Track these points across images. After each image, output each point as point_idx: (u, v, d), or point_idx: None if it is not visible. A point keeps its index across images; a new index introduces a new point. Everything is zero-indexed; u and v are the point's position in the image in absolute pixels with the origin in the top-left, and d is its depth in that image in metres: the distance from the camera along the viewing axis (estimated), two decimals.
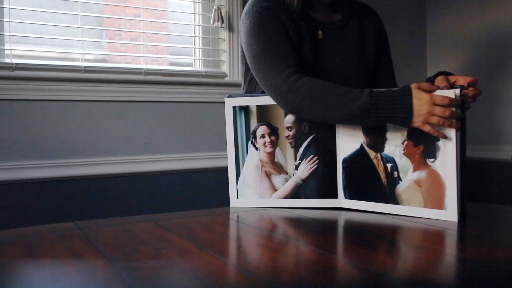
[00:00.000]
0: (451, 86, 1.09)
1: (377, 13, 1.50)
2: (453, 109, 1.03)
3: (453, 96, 1.05)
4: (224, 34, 2.27)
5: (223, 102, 1.35)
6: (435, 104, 1.04)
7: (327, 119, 1.17)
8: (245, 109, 1.28)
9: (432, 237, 0.97)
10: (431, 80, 1.25)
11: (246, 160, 1.28)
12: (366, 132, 1.18)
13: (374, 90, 1.11)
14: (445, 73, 1.22)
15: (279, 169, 1.26)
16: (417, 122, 1.06)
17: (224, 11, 2.26)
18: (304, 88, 1.17)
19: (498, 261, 0.79)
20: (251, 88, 1.42)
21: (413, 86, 1.08)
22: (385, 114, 1.08)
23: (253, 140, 1.28)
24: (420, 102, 1.04)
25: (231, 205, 1.29)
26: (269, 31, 1.25)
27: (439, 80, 1.11)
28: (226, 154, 2.23)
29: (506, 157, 2.49)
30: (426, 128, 1.05)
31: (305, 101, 1.16)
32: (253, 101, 1.28)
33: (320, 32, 1.37)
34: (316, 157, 1.22)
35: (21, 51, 1.97)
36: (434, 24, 2.87)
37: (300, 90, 1.17)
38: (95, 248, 0.86)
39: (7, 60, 1.87)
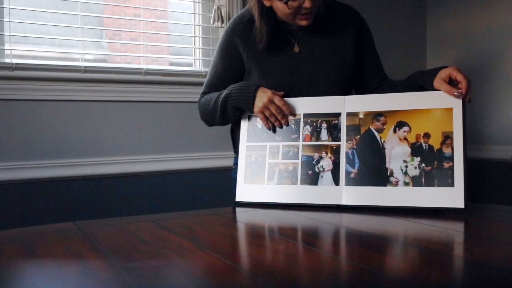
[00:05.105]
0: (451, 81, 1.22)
1: (356, 12, 1.48)
2: (285, 111, 1.29)
3: (459, 104, 1.18)
4: None
5: None
6: (272, 102, 1.29)
7: (215, 123, 1.45)
8: None
9: (432, 237, 0.97)
10: (431, 75, 1.26)
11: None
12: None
13: (231, 86, 1.36)
14: (441, 68, 1.27)
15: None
16: (256, 109, 1.30)
17: (224, 11, 2.26)
18: (199, 107, 1.49)
19: (498, 261, 0.79)
20: None
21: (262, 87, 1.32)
22: (236, 100, 1.33)
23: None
24: (262, 96, 1.29)
25: (236, 199, 1.30)
26: (217, 57, 1.47)
27: (440, 85, 1.22)
28: (226, 154, 2.23)
29: (506, 157, 2.49)
30: (260, 116, 1.31)
31: (201, 116, 1.49)
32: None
33: (296, 47, 1.41)
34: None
35: (21, 51, 1.97)
36: (434, 24, 2.87)
37: (198, 108, 1.49)
38: (95, 248, 0.86)
39: (7, 60, 1.87)
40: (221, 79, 1.46)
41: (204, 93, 1.50)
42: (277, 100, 1.29)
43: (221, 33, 2.27)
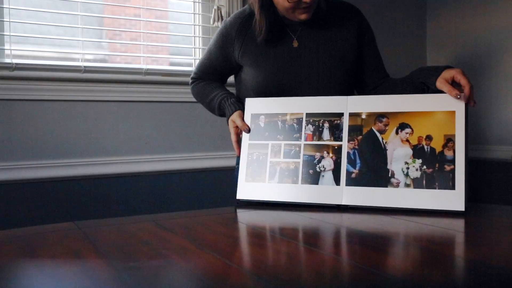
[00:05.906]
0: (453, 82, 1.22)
1: (358, 10, 1.48)
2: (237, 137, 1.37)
3: (462, 107, 1.19)
4: None
5: None
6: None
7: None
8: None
9: (432, 237, 0.97)
10: (435, 74, 1.25)
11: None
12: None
13: (224, 100, 1.45)
14: (445, 67, 1.26)
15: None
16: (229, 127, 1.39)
17: (224, 11, 2.26)
18: (192, 93, 1.59)
19: (498, 261, 0.79)
20: (237, 90, 1.55)
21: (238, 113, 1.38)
22: (224, 111, 1.45)
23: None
24: (232, 118, 1.39)
25: (237, 197, 1.30)
26: (213, 43, 1.50)
27: (443, 86, 1.22)
28: (227, 154, 2.24)
29: (506, 157, 2.49)
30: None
31: (197, 100, 1.59)
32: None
33: (295, 42, 1.41)
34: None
35: (21, 51, 1.97)
36: (434, 24, 2.87)
37: (192, 93, 1.59)
38: (95, 248, 0.86)
39: (7, 60, 1.87)
40: (212, 67, 1.52)
41: (194, 79, 1.56)
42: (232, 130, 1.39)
43: None
